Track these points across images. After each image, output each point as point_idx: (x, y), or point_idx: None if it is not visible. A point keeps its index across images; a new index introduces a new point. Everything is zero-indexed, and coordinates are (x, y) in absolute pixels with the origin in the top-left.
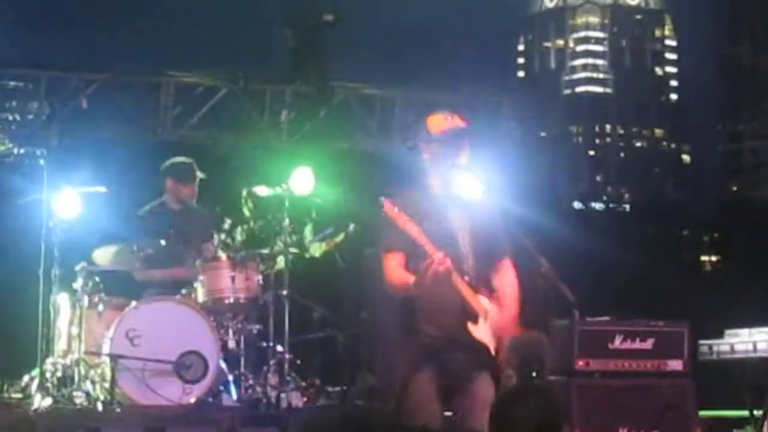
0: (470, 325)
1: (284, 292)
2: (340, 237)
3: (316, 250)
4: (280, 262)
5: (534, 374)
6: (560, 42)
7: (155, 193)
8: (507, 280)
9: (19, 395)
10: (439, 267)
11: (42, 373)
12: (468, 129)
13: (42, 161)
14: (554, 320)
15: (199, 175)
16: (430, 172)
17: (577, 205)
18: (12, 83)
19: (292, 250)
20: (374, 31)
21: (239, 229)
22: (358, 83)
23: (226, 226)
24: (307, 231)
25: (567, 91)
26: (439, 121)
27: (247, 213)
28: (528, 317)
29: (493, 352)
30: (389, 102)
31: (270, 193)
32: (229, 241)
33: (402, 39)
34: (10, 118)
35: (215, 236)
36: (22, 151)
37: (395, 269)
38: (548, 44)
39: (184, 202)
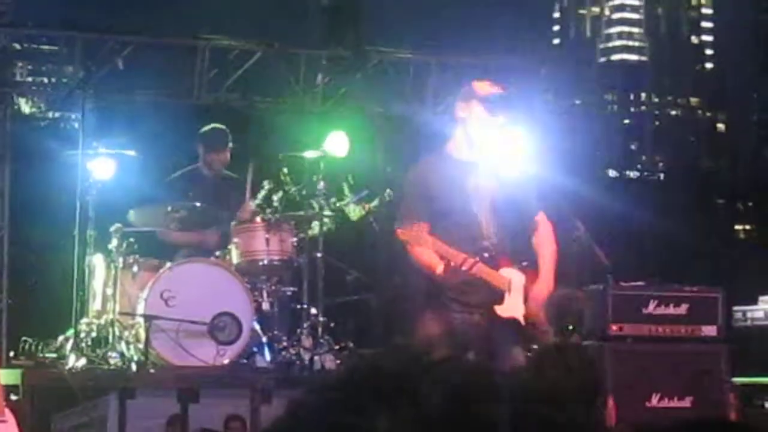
0: (496, 307)
1: (318, 255)
2: (375, 201)
3: (353, 213)
4: (315, 225)
5: (570, 329)
6: (596, 9)
7: (190, 156)
8: (544, 237)
9: (54, 355)
10: (467, 269)
11: (76, 334)
12: (509, 98)
13: (77, 124)
14: (588, 284)
15: (230, 145)
16: (459, 134)
17: (611, 173)
18: (47, 47)
19: (327, 213)
20: None
21: (279, 193)
22: (393, 48)
23: (264, 191)
24: (346, 193)
25: (602, 59)
26: (485, 84)
27: (282, 177)
28: (562, 281)
29: (523, 322)
30: (424, 67)
31: (305, 156)
32: (265, 204)
33: (437, 4)
34: (45, 81)
35: (251, 202)
36: (57, 114)
37: (419, 246)
38: (584, 11)
39: (216, 168)
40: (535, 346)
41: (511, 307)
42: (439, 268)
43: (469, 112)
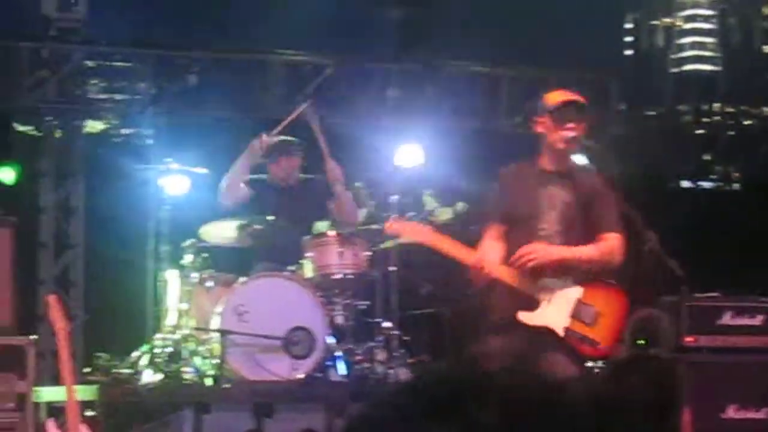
0: (527, 313)
1: (392, 268)
2: (449, 214)
3: (443, 215)
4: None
5: (643, 344)
6: (668, 20)
7: (261, 172)
8: (602, 247)
9: (129, 371)
10: (481, 271)
11: (151, 349)
12: (584, 105)
13: (150, 141)
14: (662, 296)
15: (297, 154)
16: (540, 147)
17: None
18: (119, 64)
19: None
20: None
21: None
22: (465, 60)
23: None
24: (430, 202)
25: (675, 70)
26: (556, 95)
27: (355, 190)
28: (636, 292)
29: (562, 333)
30: (496, 79)
31: (378, 169)
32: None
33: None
34: (118, 98)
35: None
36: (130, 131)
37: (484, 242)
38: (656, 22)
39: (285, 179)
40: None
41: (547, 316)
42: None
43: (544, 126)
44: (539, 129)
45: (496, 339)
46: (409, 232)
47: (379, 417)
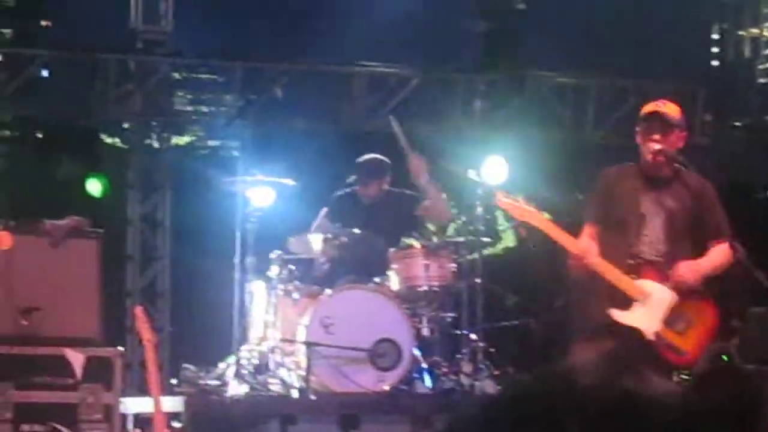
0: (620, 311)
1: (478, 280)
2: (511, 239)
3: (509, 238)
4: (474, 250)
5: (725, 358)
6: (755, 30)
7: (346, 184)
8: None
9: (216, 382)
10: (580, 262)
11: (238, 361)
12: (670, 119)
13: (236, 152)
14: (750, 308)
15: (381, 179)
16: (640, 155)
17: None
18: (206, 76)
19: (485, 239)
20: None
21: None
22: (551, 72)
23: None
24: (501, 219)
25: (762, 80)
26: (648, 106)
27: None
28: (724, 304)
29: (652, 338)
30: (582, 90)
31: (463, 181)
32: (422, 230)
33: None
34: (205, 110)
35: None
36: (216, 142)
37: (581, 238)
38: (743, 33)
39: (371, 197)
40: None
41: (640, 318)
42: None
43: (640, 136)
44: (637, 139)
45: (588, 348)
46: (518, 210)
47: (467, 430)
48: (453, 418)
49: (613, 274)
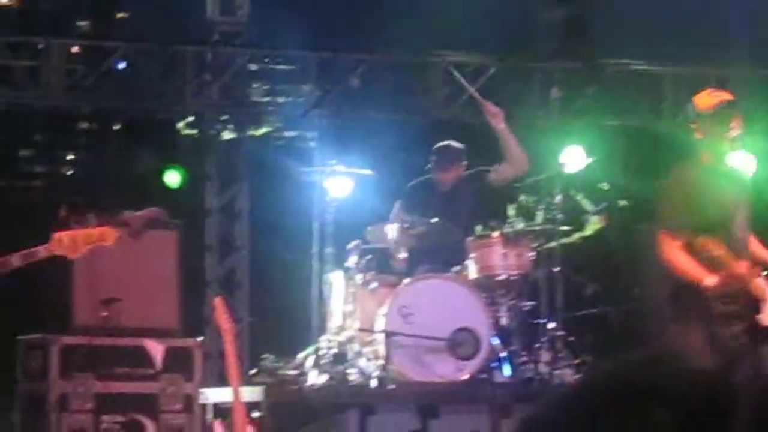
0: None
1: (556, 269)
2: (612, 213)
3: (589, 227)
4: (553, 238)
5: None
6: None
7: (424, 173)
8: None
9: (295, 372)
10: (737, 281)
11: (317, 351)
12: (735, 102)
13: (312, 143)
14: None
15: (457, 165)
16: (703, 150)
17: None
18: (282, 67)
19: (564, 227)
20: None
21: (511, 206)
22: (627, 59)
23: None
24: (584, 206)
25: None
26: (705, 98)
27: (518, 191)
28: None
29: None
30: (659, 78)
31: (541, 170)
32: (502, 215)
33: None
34: (281, 100)
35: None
36: (292, 133)
37: (681, 255)
38: None
39: (445, 185)
40: None
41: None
42: (708, 279)
43: (701, 131)
44: (698, 135)
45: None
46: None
47: (553, 417)
48: (539, 407)
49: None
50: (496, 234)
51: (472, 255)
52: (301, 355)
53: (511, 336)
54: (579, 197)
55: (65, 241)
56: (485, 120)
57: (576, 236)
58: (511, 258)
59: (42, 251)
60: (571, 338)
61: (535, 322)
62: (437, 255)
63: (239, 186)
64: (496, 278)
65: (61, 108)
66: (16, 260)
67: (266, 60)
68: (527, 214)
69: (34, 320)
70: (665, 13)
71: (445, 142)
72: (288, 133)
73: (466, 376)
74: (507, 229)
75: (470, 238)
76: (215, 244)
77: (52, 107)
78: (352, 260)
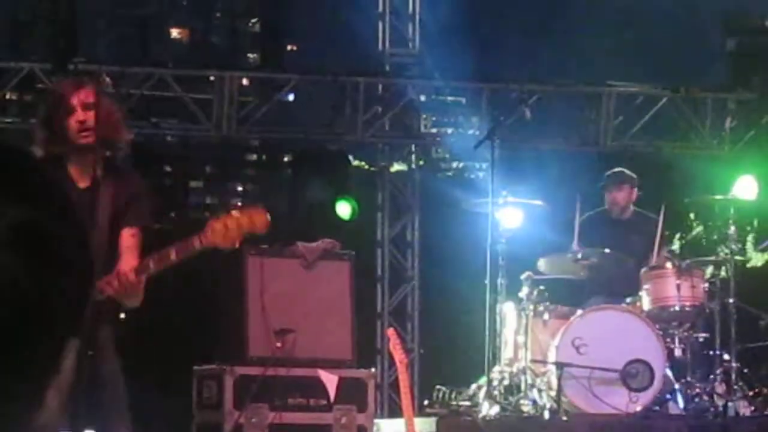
0: None
1: (730, 300)
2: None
3: (758, 258)
4: (726, 270)
5: None
6: None
7: (596, 204)
8: None
9: (467, 403)
10: None
11: (489, 381)
12: None
13: (482, 174)
14: None
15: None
16: None
17: None
18: (451, 98)
19: (738, 258)
20: None
21: (676, 236)
22: None
23: (677, 240)
24: (749, 239)
25: None
26: None
27: (689, 222)
28: None
29: None
30: None
31: (714, 201)
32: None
33: None
34: (450, 131)
35: (664, 250)
36: (462, 164)
37: None
38: None
39: (616, 209)
40: None
41: None
42: None
43: None
44: None
45: None
46: None
47: None
48: None
49: None
50: (669, 265)
51: (645, 286)
52: (473, 386)
53: (684, 367)
54: (748, 233)
55: (218, 229)
56: (656, 149)
57: (750, 266)
58: (684, 289)
59: (196, 243)
60: (746, 370)
61: (709, 353)
62: (610, 286)
63: (409, 217)
64: (670, 309)
65: (232, 140)
66: (173, 255)
67: (436, 91)
68: (699, 244)
69: (208, 351)
70: None
71: (618, 169)
72: (456, 164)
73: (639, 408)
74: (680, 261)
75: (643, 270)
76: (386, 275)
77: (223, 139)
78: (524, 291)
